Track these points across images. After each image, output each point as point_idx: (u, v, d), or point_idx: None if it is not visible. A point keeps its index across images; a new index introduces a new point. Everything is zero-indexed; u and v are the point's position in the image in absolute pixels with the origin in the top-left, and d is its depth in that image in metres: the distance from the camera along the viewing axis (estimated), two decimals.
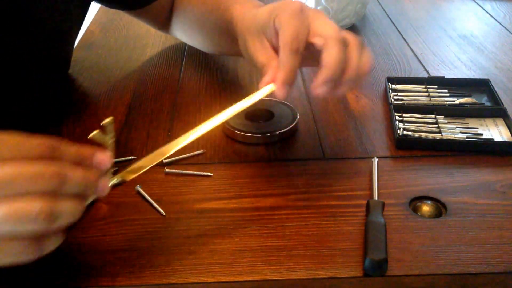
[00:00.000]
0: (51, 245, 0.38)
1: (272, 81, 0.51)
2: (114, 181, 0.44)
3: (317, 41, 0.51)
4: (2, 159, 0.36)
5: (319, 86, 0.50)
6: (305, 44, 0.51)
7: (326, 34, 0.50)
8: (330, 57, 0.49)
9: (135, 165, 0.46)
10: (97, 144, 0.42)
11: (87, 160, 0.40)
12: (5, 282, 0.44)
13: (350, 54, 0.51)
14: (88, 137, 0.42)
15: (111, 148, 0.43)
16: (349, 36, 0.52)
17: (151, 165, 0.46)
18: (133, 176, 0.45)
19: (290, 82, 0.51)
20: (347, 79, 0.50)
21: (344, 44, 0.50)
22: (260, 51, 0.55)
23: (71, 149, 0.39)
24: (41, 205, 0.36)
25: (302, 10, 0.52)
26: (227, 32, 0.67)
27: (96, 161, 0.40)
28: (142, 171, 0.46)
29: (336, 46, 0.50)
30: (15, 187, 0.36)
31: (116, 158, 0.59)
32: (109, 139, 0.43)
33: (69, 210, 0.38)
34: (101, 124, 0.43)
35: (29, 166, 0.36)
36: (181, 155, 0.60)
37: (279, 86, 0.51)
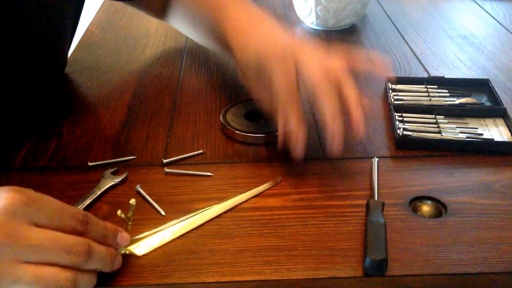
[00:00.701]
0: None
1: (283, 138, 0.55)
2: (124, 251, 0.46)
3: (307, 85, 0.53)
4: (40, 224, 0.40)
5: (332, 149, 0.54)
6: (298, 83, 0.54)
7: (312, 79, 0.52)
8: (324, 114, 0.53)
9: (142, 237, 0.48)
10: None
11: (111, 237, 0.44)
12: None
13: (343, 93, 0.53)
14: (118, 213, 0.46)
15: (130, 224, 0.47)
16: (333, 64, 0.54)
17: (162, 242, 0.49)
18: (145, 252, 0.47)
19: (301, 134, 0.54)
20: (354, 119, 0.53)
21: (330, 81, 0.52)
22: (265, 101, 0.57)
23: (99, 224, 0.43)
24: (67, 276, 0.39)
25: (286, 58, 0.54)
26: (218, 40, 0.68)
27: (119, 239, 0.45)
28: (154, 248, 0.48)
29: (326, 95, 0.52)
30: (46, 255, 0.39)
31: (116, 158, 0.60)
32: (130, 217, 0.47)
33: (87, 283, 0.42)
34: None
35: (63, 239, 0.40)
36: (181, 155, 0.60)
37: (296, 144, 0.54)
